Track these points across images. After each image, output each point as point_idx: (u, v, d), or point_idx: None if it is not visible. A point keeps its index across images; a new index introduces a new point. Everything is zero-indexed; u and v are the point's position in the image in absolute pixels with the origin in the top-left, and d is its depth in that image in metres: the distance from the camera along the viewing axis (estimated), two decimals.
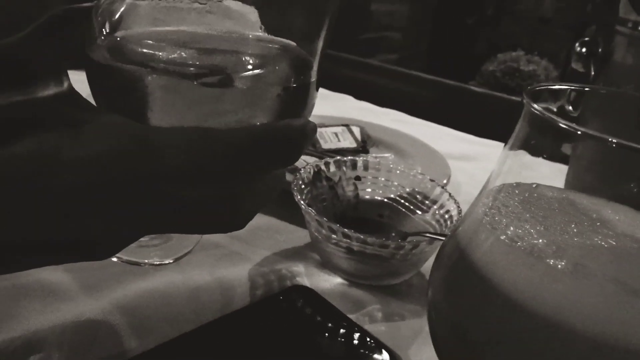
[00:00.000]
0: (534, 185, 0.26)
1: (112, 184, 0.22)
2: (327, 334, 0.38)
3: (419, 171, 0.52)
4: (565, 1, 2.83)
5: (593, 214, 0.24)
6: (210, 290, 0.42)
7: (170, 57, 0.26)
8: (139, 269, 0.43)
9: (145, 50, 0.26)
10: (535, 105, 0.22)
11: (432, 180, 0.50)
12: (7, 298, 0.37)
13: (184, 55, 0.26)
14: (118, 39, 0.26)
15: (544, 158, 0.23)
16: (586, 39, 0.54)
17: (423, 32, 2.94)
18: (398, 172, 0.52)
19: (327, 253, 0.45)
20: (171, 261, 0.43)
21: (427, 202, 0.50)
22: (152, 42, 0.26)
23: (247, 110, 0.26)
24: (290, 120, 0.26)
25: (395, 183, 0.52)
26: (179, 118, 0.25)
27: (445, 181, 0.61)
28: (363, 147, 0.70)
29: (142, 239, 0.28)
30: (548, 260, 0.21)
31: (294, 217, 0.49)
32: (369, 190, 0.53)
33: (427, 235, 0.45)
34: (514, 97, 1.11)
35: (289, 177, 0.47)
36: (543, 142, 0.23)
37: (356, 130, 0.73)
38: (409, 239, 0.44)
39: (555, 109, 0.26)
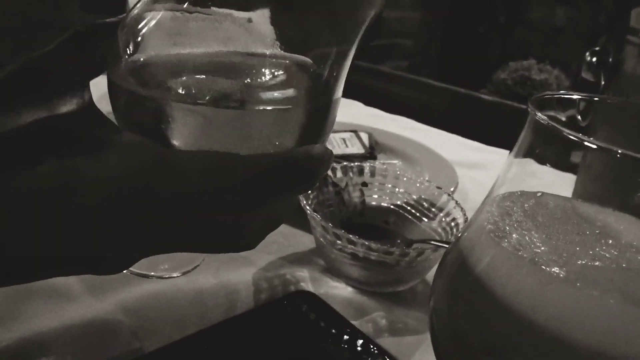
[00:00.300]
0: (538, 194, 0.26)
1: (131, 205, 0.23)
2: (330, 340, 0.38)
3: (427, 178, 0.52)
4: (578, 10, 2.81)
5: (598, 223, 0.24)
6: (215, 293, 0.42)
7: (190, 82, 0.26)
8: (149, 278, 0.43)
9: (166, 75, 0.26)
10: (539, 113, 0.22)
11: (438, 188, 0.50)
12: (13, 298, 0.37)
13: (205, 80, 0.26)
14: (141, 60, 0.26)
15: (548, 166, 0.23)
16: (596, 48, 0.54)
17: (434, 39, 2.94)
18: (405, 179, 0.52)
19: (332, 259, 0.45)
20: (179, 275, 0.43)
21: (433, 209, 0.50)
22: (173, 65, 0.26)
23: (268, 133, 0.26)
24: (308, 148, 0.26)
25: (402, 190, 0.52)
26: (199, 142, 0.25)
27: (452, 189, 0.61)
28: (371, 153, 0.70)
29: None
30: (550, 270, 0.21)
31: (300, 222, 0.49)
32: (376, 196, 0.53)
33: (433, 242, 0.45)
34: (524, 106, 1.10)
35: None
36: (547, 150, 0.23)
37: (364, 137, 0.73)
38: (414, 246, 0.44)
39: (563, 118, 0.26)
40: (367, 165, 0.53)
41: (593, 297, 0.20)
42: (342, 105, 0.29)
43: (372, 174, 0.53)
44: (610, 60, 0.53)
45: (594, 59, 0.53)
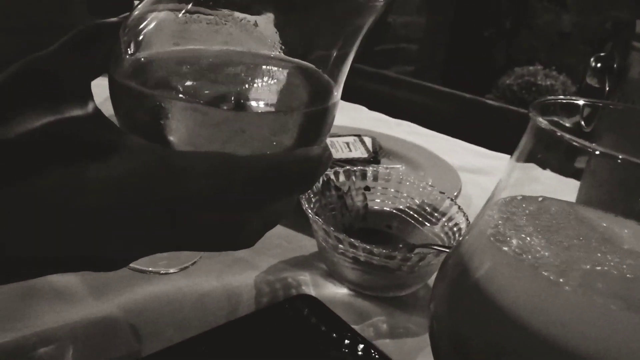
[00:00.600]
0: (540, 199, 0.25)
1: (134, 206, 0.23)
2: (331, 345, 0.38)
3: (430, 183, 0.52)
4: (584, 16, 2.80)
5: (600, 229, 0.24)
6: (217, 296, 0.42)
7: (192, 82, 0.26)
8: (147, 274, 0.43)
9: (168, 75, 0.26)
10: (539, 118, 0.22)
11: (441, 193, 0.50)
12: (15, 298, 0.38)
13: (206, 80, 0.26)
14: (142, 59, 0.26)
15: (549, 170, 0.23)
16: (601, 54, 0.54)
17: (440, 44, 2.93)
18: (407, 183, 0.52)
19: (334, 263, 0.45)
20: (176, 271, 0.44)
21: (436, 214, 0.50)
22: (175, 65, 0.26)
23: (267, 134, 0.26)
24: (307, 150, 0.26)
25: (405, 194, 0.52)
26: (198, 142, 0.26)
27: (455, 194, 0.61)
28: (374, 157, 0.70)
29: None
30: (551, 275, 0.21)
31: (302, 225, 0.49)
32: (378, 200, 0.53)
33: (435, 247, 0.44)
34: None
35: None
36: (548, 155, 0.23)
37: (368, 141, 0.73)
38: (416, 250, 0.44)
39: (567, 124, 0.26)
40: (369, 169, 0.53)
41: (594, 303, 0.20)
42: (346, 109, 0.29)
43: (375, 178, 0.52)
44: (615, 66, 0.52)
45: (599, 65, 0.53)
